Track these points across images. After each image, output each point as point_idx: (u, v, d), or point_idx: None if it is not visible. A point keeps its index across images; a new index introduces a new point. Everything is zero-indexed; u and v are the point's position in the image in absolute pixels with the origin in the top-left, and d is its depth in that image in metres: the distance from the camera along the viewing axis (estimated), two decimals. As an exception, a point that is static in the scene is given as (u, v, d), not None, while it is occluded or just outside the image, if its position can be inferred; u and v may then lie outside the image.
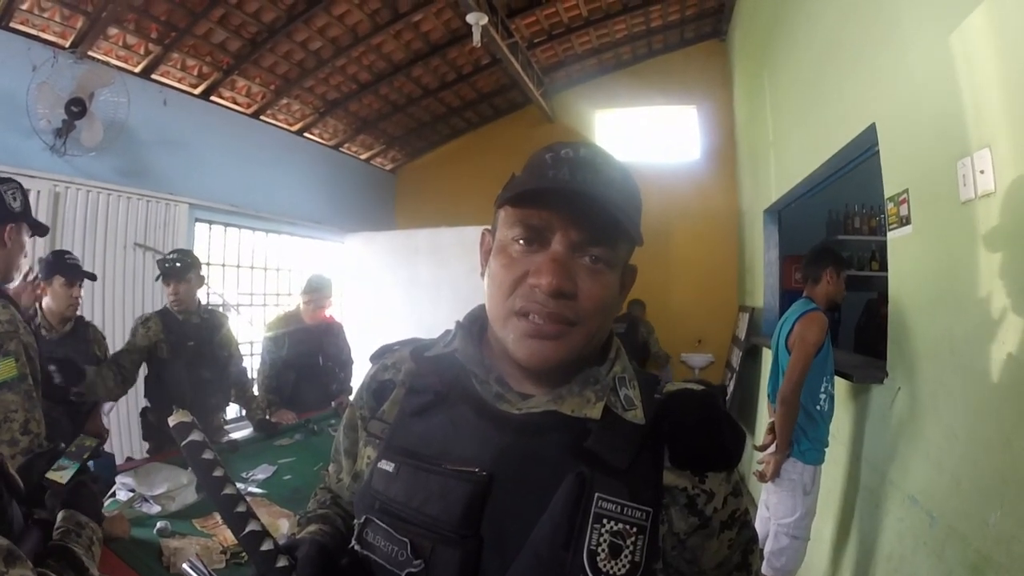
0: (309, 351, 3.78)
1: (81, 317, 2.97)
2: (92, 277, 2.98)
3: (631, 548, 0.65)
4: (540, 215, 0.69)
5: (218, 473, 0.74)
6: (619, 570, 0.63)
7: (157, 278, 3.09)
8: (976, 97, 1.89)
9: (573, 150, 0.71)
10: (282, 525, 1.96)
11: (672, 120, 7.55)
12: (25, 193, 1.85)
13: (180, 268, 3.01)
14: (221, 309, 5.01)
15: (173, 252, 3.15)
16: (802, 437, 2.71)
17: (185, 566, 0.73)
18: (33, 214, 1.92)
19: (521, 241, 0.71)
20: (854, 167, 3.23)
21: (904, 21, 2.38)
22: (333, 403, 3.81)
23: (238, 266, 5.76)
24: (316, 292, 3.81)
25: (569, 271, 0.68)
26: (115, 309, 4.20)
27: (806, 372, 2.65)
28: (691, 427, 0.73)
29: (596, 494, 0.65)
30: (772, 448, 2.77)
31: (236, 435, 3.20)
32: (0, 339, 1.55)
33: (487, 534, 0.66)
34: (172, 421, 0.76)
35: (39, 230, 1.93)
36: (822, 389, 2.71)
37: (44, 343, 2.67)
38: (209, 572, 0.74)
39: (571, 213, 0.68)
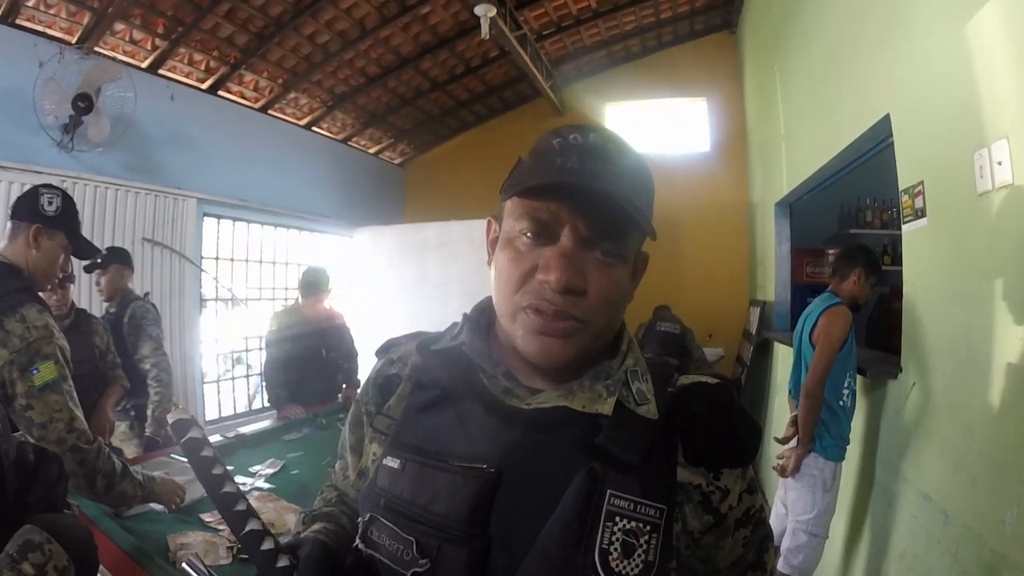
0: (312, 344, 3.80)
1: (83, 310, 2.98)
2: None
3: (644, 547, 0.63)
4: (548, 208, 0.66)
5: (217, 471, 0.72)
6: (632, 570, 0.62)
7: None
8: (993, 87, 1.85)
9: (582, 135, 0.68)
10: (289, 520, 1.95)
11: (682, 113, 7.48)
12: (68, 203, 1.88)
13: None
14: (230, 303, 5.05)
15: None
16: (824, 433, 2.68)
17: (184, 565, 0.72)
18: (84, 231, 1.98)
19: (529, 234, 0.68)
20: (867, 159, 3.19)
21: (919, 10, 2.34)
22: (340, 397, 3.82)
23: (247, 260, 5.76)
24: (313, 285, 3.83)
25: (578, 267, 0.66)
26: (124, 304, 4.20)
27: (831, 366, 2.63)
28: (705, 422, 0.71)
29: (608, 491, 0.63)
30: (793, 443, 2.74)
31: (244, 429, 3.21)
32: (38, 344, 1.59)
33: (495, 533, 0.64)
34: (171, 418, 0.74)
35: (81, 251, 1.96)
36: (845, 384, 2.69)
37: None
38: (208, 571, 0.72)
39: (581, 206, 0.65)
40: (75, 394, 1.66)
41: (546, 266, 0.66)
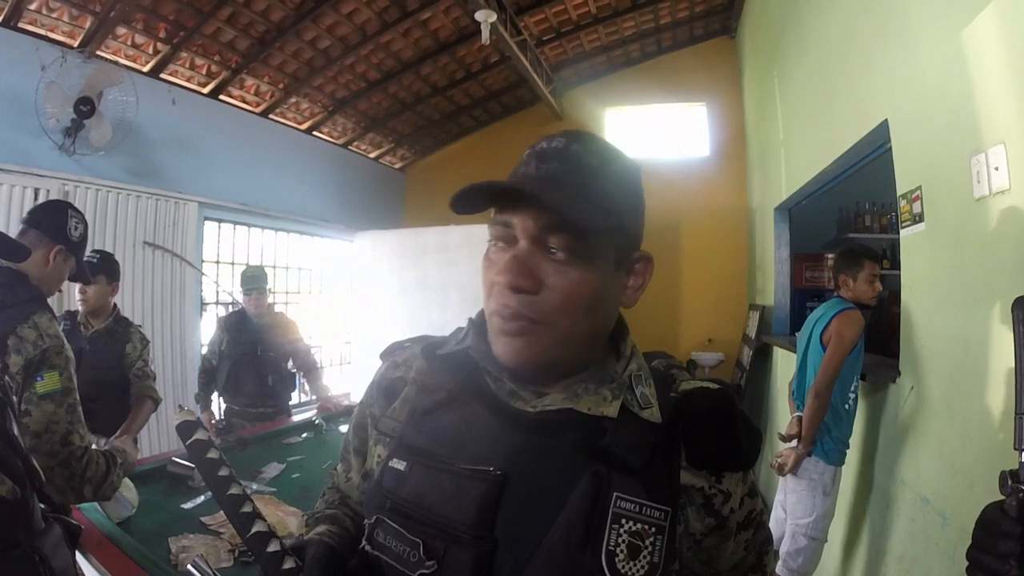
0: (247, 342, 3.76)
1: (124, 318, 2.99)
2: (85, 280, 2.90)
3: (650, 548, 0.64)
4: (504, 215, 0.69)
5: (223, 473, 0.73)
6: (638, 571, 0.62)
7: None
8: (990, 93, 1.86)
9: (548, 141, 0.72)
10: (291, 524, 1.96)
11: (681, 118, 7.50)
12: (87, 231, 1.94)
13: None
14: (230, 307, 5.04)
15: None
16: (826, 436, 2.68)
17: (189, 567, 0.72)
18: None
19: (498, 243, 0.71)
20: (866, 164, 3.20)
21: (916, 17, 2.35)
22: (316, 410, 3.87)
23: (247, 264, 5.75)
24: (251, 281, 3.82)
25: (528, 267, 0.67)
26: (124, 308, 4.20)
27: (840, 368, 2.63)
28: (708, 426, 0.72)
29: (614, 493, 0.64)
30: (794, 441, 2.74)
31: (244, 432, 3.22)
32: (48, 353, 1.59)
33: (501, 535, 0.65)
34: (176, 420, 0.75)
35: (81, 277, 2.00)
36: (852, 388, 2.69)
37: (75, 338, 2.73)
38: (213, 572, 0.73)
39: (526, 209, 0.68)
40: (79, 409, 1.64)
41: (500, 269, 0.68)
